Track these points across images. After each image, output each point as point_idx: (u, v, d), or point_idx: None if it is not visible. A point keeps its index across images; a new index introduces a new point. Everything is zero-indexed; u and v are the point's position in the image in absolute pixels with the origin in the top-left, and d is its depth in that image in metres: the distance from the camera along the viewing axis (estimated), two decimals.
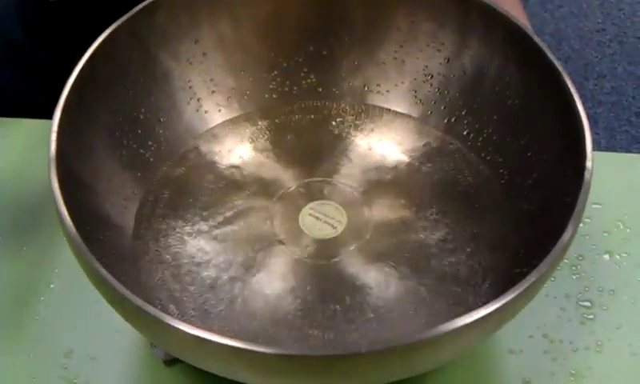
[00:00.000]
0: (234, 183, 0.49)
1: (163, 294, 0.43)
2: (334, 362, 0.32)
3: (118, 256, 0.42)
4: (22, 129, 0.56)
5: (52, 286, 0.48)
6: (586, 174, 0.38)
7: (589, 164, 0.38)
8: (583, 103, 0.40)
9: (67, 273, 0.48)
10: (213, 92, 0.51)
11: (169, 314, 0.40)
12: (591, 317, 0.46)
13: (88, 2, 0.68)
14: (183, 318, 0.42)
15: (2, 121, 0.57)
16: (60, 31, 0.68)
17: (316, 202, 0.48)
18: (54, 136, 0.40)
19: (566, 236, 0.35)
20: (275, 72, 0.52)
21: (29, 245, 0.50)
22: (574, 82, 0.41)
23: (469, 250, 0.45)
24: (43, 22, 0.68)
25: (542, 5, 1.43)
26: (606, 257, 0.49)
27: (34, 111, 0.57)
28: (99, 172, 0.44)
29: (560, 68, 0.42)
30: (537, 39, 0.43)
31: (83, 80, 0.43)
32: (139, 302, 0.33)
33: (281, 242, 0.46)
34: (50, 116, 0.41)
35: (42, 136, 0.40)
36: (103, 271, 0.34)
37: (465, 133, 0.49)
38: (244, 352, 0.32)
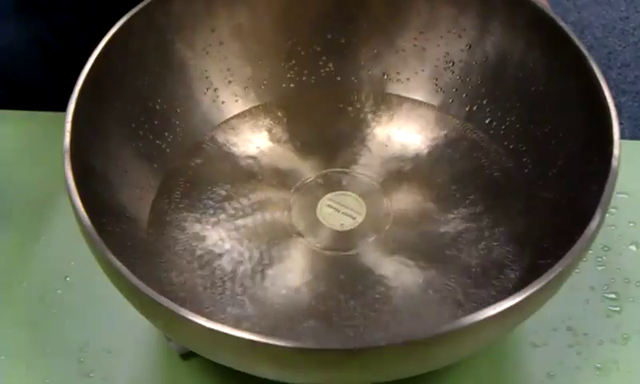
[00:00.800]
0: (251, 174, 0.48)
1: (178, 287, 0.42)
2: (353, 356, 0.31)
3: (134, 248, 0.42)
4: (40, 121, 0.56)
5: (68, 278, 0.47)
6: (614, 161, 0.37)
7: (616, 150, 0.37)
8: (611, 85, 0.39)
9: (83, 265, 0.48)
10: (230, 82, 0.50)
11: (184, 306, 0.40)
12: (617, 309, 0.45)
13: None
14: (199, 310, 0.41)
15: (18, 114, 0.57)
16: (83, 27, 0.68)
17: (334, 193, 0.47)
18: (68, 127, 0.39)
19: (593, 225, 0.34)
20: (293, 61, 0.51)
21: (45, 237, 0.50)
22: (599, 66, 0.40)
23: (491, 241, 0.44)
24: (67, 17, 0.67)
25: None
26: (633, 248, 0.48)
27: (51, 104, 0.57)
28: (115, 163, 0.44)
29: (585, 52, 0.41)
30: (562, 23, 0.42)
31: (98, 70, 0.42)
32: (153, 294, 0.32)
33: (298, 234, 0.45)
34: (65, 109, 0.40)
35: (59, 128, 0.39)
36: (117, 263, 0.33)
37: (487, 121, 0.48)
38: (260, 346, 0.31)
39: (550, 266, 0.34)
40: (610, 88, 0.39)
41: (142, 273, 0.39)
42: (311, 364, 0.32)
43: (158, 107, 0.47)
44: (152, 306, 0.33)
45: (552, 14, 0.43)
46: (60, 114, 0.40)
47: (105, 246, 0.34)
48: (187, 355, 0.43)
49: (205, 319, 0.32)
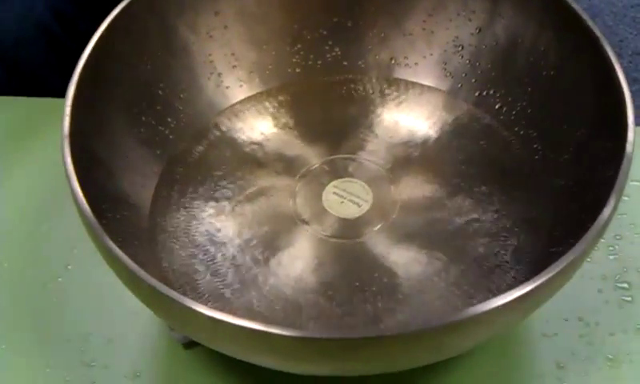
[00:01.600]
0: (255, 161, 0.47)
1: (181, 275, 0.42)
2: (359, 345, 0.31)
3: (135, 235, 0.41)
4: (41, 107, 0.56)
5: (70, 266, 0.47)
6: (628, 146, 0.36)
7: (630, 135, 0.36)
8: (623, 71, 0.38)
9: (85, 253, 0.47)
10: (234, 67, 0.49)
11: (186, 294, 0.39)
12: (629, 299, 0.44)
13: None
14: (201, 298, 0.40)
15: (20, 100, 0.56)
16: (85, 11, 0.68)
17: (340, 180, 0.46)
18: (67, 111, 0.38)
19: (606, 211, 0.33)
20: (298, 45, 0.50)
21: (47, 225, 0.49)
22: (613, 49, 0.39)
23: (501, 229, 0.43)
24: (68, 2, 0.67)
25: None
26: None
27: (53, 90, 0.57)
28: (116, 149, 0.43)
29: (599, 34, 0.40)
30: (575, 5, 0.41)
31: (99, 54, 0.42)
32: (154, 282, 0.31)
33: (304, 221, 0.44)
34: None
35: (61, 114, 0.39)
36: (117, 250, 0.33)
37: (497, 106, 0.47)
38: (262, 334, 0.31)
39: (561, 254, 0.33)
40: None
41: (143, 260, 0.39)
42: (315, 354, 0.31)
43: (160, 92, 0.46)
44: (153, 294, 0.32)
45: None
46: (61, 99, 0.39)
47: (104, 233, 0.34)
48: (190, 344, 0.42)
49: (206, 308, 0.31)
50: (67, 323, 0.44)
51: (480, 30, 0.48)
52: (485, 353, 0.42)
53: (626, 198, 0.48)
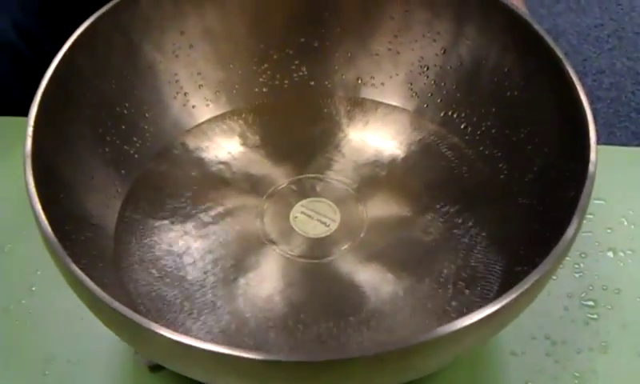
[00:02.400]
0: (222, 180, 0.47)
1: (146, 297, 0.41)
2: (324, 369, 0.30)
3: (100, 257, 0.40)
4: (5, 125, 0.55)
5: (33, 288, 0.46)
6: (590, 166, 0.36)
7: (593, 155, 0.36)
8: (586, 92, 0.38)
9: (49, 275, 0.46)
10: (200, 86, 0.49)
11: (151, 317, 0.39)
12: (595, 316, 0.44)
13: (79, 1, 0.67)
14: (166, 321, 0.40)
15: None
16: (50, 28, 0.67)
17: (308, 200, 0.46)
18: (30, 131, 0.38)
19: (570, 231, 0.34)
20: (265, 65, 0.50)
21: (10, 246, 0.48)
22: (575, 70, 0.39)
23: (467, 248, 0.43)
24: (34, 20, 0.66)
25: (539, 1, 1.42)
26: (610, 254, 0.47)
27: (20, 109, 0.56)
28: (80, 169, 0.42)
29: (561, 55, 0.40)
30: (537, 26, 0.42)
31: (62, 73, 0.41)
32: (116, 305, 0.31)
33: (271, 241, 0.44)
34: None
35: (23, 133, 0.38)
36: (79, 272, 0.32)
37: (462, 126, 0.47)
38: (230, 358, 0.30)
39: (526, 273, 0.33)
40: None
41: (107, 282, 0.38)
42: (282, 377, 0.31)
43: (125, 111, 0.46)
44: (115, 317, 0.32)
45: (527, 18, 0.43)
46: (26, 118, 0.39)
47: (66, 255, 0.33)
48: (155, 368, 0.42)
49: (170, 331, 0.31)
50: (31, 346, 0.44)
51: (445, 51, 0.48)
52: (454, 372, 0.42)
53: (590, 216, 0.49)
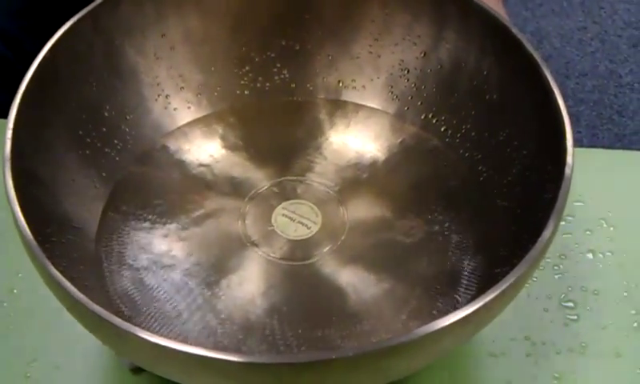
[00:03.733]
0: (203, 183, 0.47)
1: (127, 299, 0.41)
2: (304, 370, 0.31)
3: (80, 260, 0.40)
4: None
5: (15, 291, 0.46)
6: (567, 169, 0.36)
7: (569, 158, 0.37)
8: (563, 96, 0.38)
9: (31, 277, 0.46)
10: (181, 88, 0.49)
11: (132, 320, 0.39)
12: (574, 318, 0.45)
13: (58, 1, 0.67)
14: (147, 324, 0.40)
15: None
16: (30, 29, 0.67)
17: (289, 202, 0.46)
18: (9, 133, 0.38)
19: (546, 234, 0.34)
20: (247, 67, 0.50)
21: None
22: (553, 73, 0.40)
23: (448, 250, 0.43)
24: (13, 21, 0.66)
25: (522, 3, 1.43)
26: (590, 256, 0.48)
27: (1, 111, 0.56)
28: (61, 172, 0.42)
29: (539, 59, 0.40)
30: (515, 30, 0.42)
31: (43, 74, 0.41)
32: (95, 308, 0.31)
33: (253, 244, 0.44)
34: None
35: (2, 135, 0.38)
36: (57, 274, 0.32)
37: (442, 129, 0.48)
38: (209, 360, 0.30)
39: (505, 274, 0.33)
40: (568, 97, 0.39)
41: (88, 285, 0.38)
42: (261, 378, 0.31)
43: (106, 114, 0.46)
44: (94, 320, 0.32)
45: (505, 22, 0.43)
46: (5, 120, 0.39)
47: (45, 256, 0.33)
48: (137, 370, 0.42)
49: (150, 334, 0.31)
50: (12, 349, 0.43)
51: (425, 54, 0.48)
52: (434, 373, 0.42)
53: (570, 218, 0.49)
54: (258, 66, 0.50)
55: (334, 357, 0.30)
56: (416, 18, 0.48)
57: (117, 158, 0.46)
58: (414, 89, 0.49)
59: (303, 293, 0.42)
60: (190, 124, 0.49)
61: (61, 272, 0.33)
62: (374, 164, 0.48)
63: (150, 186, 0.46)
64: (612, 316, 0.45)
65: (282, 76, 0.50)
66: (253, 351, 0.39)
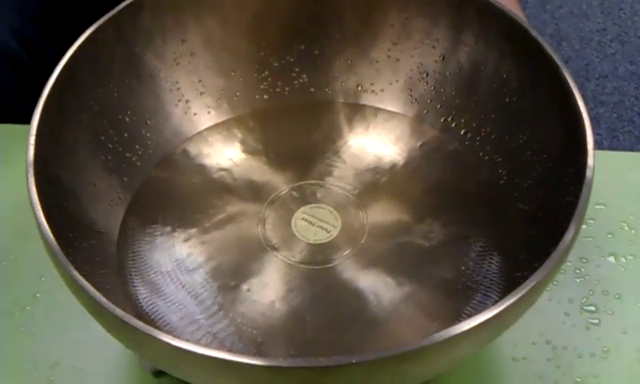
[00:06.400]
0: (224, 187, 0.47)
1: (149, 303, 0.41)
2: (324, 374, 0.31)
3: (103, 263, 0.41)
4: (8, 133, 0.55)
5: (38, 295, 0.46)
6: (588, 172, 0.36)
7: (590, 161, 0.36)
8: (583, 97, 0.38)
9: (53, 282, 0.46)
10: (201, 93, 0.49)
11: (154, 324, 0.39)
12: (596, 322, 0.44)
13: (79, 7, 0.67)
14: (169, 328, 0.40)
15: None
16: (52, 36, 0.67)
17: (309, 206, 0.46)
18: (32, 140, 0.38)
19: (567, 237, 0.34)
20: (266, 72, 0.50)
21: (15, 253, 0.49)
22: (573, 75, 0.40)
23: (467, 253, 0.43)
24: (34, 27, 0.67)
25: (541, 5, 1.42)
26: (611, 259, 0.47)
27: (22, 117, 0.56)
28: (83, 177, 0.43)
29: (559, 61, 0.40)
30: (534, 32, 0.42)
31: (64, 81, 0.41)
32: (118, 312, 0.31)
33: (273, 248, 0.44)
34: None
35: (25, 141, 0.38)
36: (80, 279, 0.33)
37: (462, 132, 0.48)
38: (231, 364, 0.30)
39: (526, 278, 0.33)
40: (588, 99, 0.39)
41: (111, 289, 0.38)
42: (281, 382, 0.31)
43: (127, 119, 0.46)
44: (117, 324, 0.32)
45: (525, 24, 0.43)
46: (28, 126, 0.39)
47: (68, 261, 0.33)
48: (159, 373, 0.42)
49: (173, 338, 0.31)
50: (35, 352, 0.44)
51: (444, 58, 0.48)
52: (454, 377, 0.42)
53: (591, 222, 0.49)
54: (277, 71, 0.50)
55: (354, 361, 0.30)
56: (434, 22, 0.48)
57: (138, 163, 0.46)
58: (434, 92, 0.49)
59: (323, 297, 0.42)
60: (210, 129, 0.49)
61: (83, 276, 0.33)
62: (393, 167, 0.48)
63: (170, 191, 0.47)
64: (634, 320, 0.44)
65: (301, 80, 0.51)
66: (273, 355, 0.39)
